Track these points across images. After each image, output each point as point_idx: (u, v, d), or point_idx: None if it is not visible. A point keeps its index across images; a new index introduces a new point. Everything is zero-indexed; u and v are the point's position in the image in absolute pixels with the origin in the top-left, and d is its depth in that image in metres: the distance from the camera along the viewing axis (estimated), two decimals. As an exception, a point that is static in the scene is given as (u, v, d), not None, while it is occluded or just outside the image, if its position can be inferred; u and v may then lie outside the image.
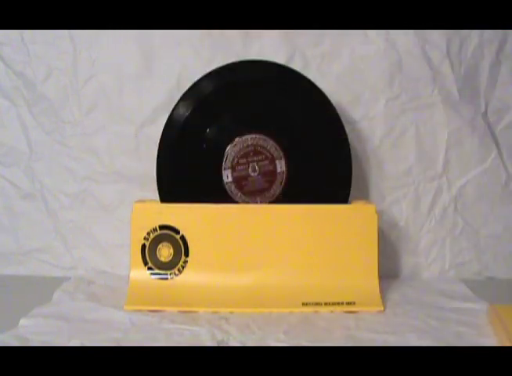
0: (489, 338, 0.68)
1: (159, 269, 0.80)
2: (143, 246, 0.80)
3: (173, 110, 0.84)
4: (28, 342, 0.66)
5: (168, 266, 0.80)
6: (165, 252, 0.80)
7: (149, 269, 0.80)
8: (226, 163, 0.83)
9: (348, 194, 0.84)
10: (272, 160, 0.83)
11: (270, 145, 0.83)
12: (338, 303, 0.77)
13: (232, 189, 0.83)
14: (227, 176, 0.83)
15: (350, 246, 0.80)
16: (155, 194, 0.84)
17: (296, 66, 0.87)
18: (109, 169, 0.91)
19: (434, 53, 0.89)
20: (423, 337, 0.68)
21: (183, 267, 0.80)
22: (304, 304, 0.77)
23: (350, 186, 0.84)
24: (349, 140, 0.84)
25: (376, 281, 0.79)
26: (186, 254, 0.80)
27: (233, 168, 0.83)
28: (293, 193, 0.83)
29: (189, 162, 0.83)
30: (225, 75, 0.84)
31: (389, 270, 0.90)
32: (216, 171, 0.83)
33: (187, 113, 0.83)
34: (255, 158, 0.83)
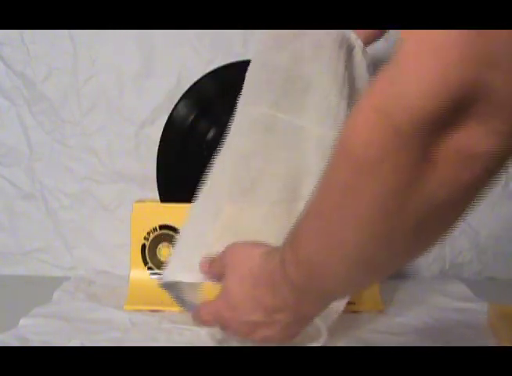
0: (489, 338, 0.68)
1: (159, 269, 0.80)
2: (143, 246, 0.80)
3: (173, 110, 0.84)
4: (28, 342, 0.65)
5: (168, 266, 0.80)
6: (165, 252, 0.80)
7: (149, 269, 0.80)
8: (226, 163, 0.83)
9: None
10: (272, 160, 0.83)
11: (270, 145, 0.83)
12: (338, 303, 0.77)
13: (232, 189, 0.83)
14: (227, 176, 0.83)
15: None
16: (155, 194, 0.84)
17: (296, 66, 0.87)
18: (109, 169, 0.91)
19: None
20: (423, 337, 0.68)
21: (183, 267, 0.80)
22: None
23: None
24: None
25: (376, 281, 0.79)
26: (186, 254, 0.80)
27: (233, 168, 0.83)
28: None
29: (189, 162, 0.83)
30: (225, 75, 0.84)
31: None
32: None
33: (187, 114, 0.83)
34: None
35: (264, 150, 0.69)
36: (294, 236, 0.48)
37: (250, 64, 0.72)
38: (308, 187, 0.67)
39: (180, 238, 0.69)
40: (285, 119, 0.69)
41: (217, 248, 0.62)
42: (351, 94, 0.68)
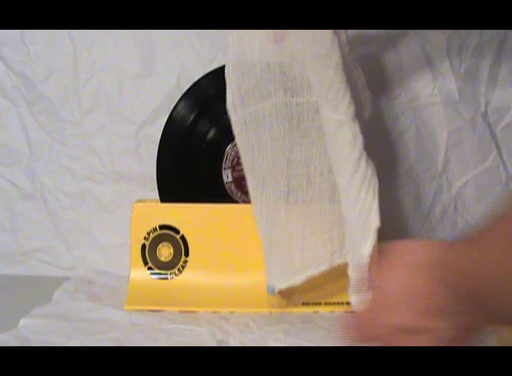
0: (489, 338, 0.68)
1: (159, 268, 0.80)
2: (143, 246, 0.80)
3: (173, 110, 0.83)
4: (28, 342, 0.66)
5: (168, 266, 0.80)
6: (165, 252, 0.80)
7: (149, 269, 0.80)
8: (226, 163, 0.83)
9: (348, 194, 0.84)
10: (272, 160, 0.83)
11: (270, 145, 0.83)
12: (338, 303, 0.77)
13: (232, 189, 0.83)
14: (227, 176, 0.83)
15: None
16: (155, 194, 0.84)
17: (296, 66, 0.87)
18: (109, 169, 0.91)
19: (434, 53, 0.89)
20: (423, 337, 0.68)
21: (183, 267, 0.80)
22: (304, 304, 0.77)
23: (350, 186, 0.84)
24: (349, 140, 0.84)
25: (376, 281, 0.79)
26: (186, 254, 0.80)
27: (233, 168, 0.83)
28: (293, 193, 0.83)
29: (189, 162, 0.83)
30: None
31: (389, 270, 0.90)
32: (216, 171, 0.83)
33: (187, 113, 0.83)
34: (255, 158, 0.83)
35: (300, 140, 0.71)
36: (480, 249, 0.42)
37: (229, 65, 0.73)
38: (337, 175, 0.70)
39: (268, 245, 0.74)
40: (301, 101, 0.70)
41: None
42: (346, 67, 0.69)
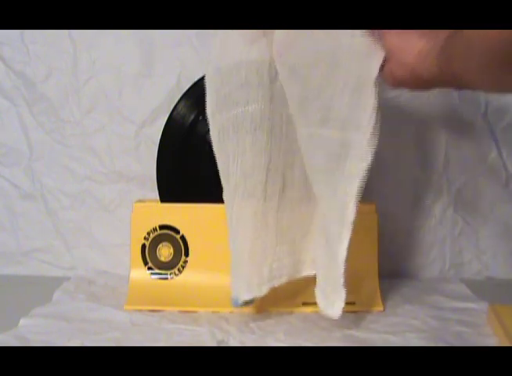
0: (489, 338, 0.68)
1: (159, 269, 0.80)
2: (143, 246, 0.80)
3: (173, 109, 0.83)
4: (28, 342, 0.66)
5: (168, 266, 0.80)
6: (165, 252, 0.80)
7: (149, 269, 0.80)
8: (226, 163, 0.83)
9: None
10: (272, 160, 0.83)
11: (270, 145, 0.83)
12: (338, 303, 0.77)
13: (232, 189, 0.83)
14: (227, 176, 0.83)
15: (350, 246, 0.79)
16: (155, 194, 0.84)
17: (296, 66, 0.87)
18: (109, 169, 0.91)
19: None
20: (423, 337, 0.68)
21: (183, 267, 0.80)
22: (304, 304, 0.77)
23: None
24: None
25: (376, 281, 0.79)
26: (186, 254, 0.80)
27: (233, 168, 0.83)
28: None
29: (189, 162, 0.83)
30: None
31: (389, 270, 0.90)
32: (216, 171, 0.83)
33: (187, 113, 0.83)
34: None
35: (281, 145, 0.71)
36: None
37: (209, 70, 0.72)
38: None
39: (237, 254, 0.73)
40: (282, 111, 0.70)
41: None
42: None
